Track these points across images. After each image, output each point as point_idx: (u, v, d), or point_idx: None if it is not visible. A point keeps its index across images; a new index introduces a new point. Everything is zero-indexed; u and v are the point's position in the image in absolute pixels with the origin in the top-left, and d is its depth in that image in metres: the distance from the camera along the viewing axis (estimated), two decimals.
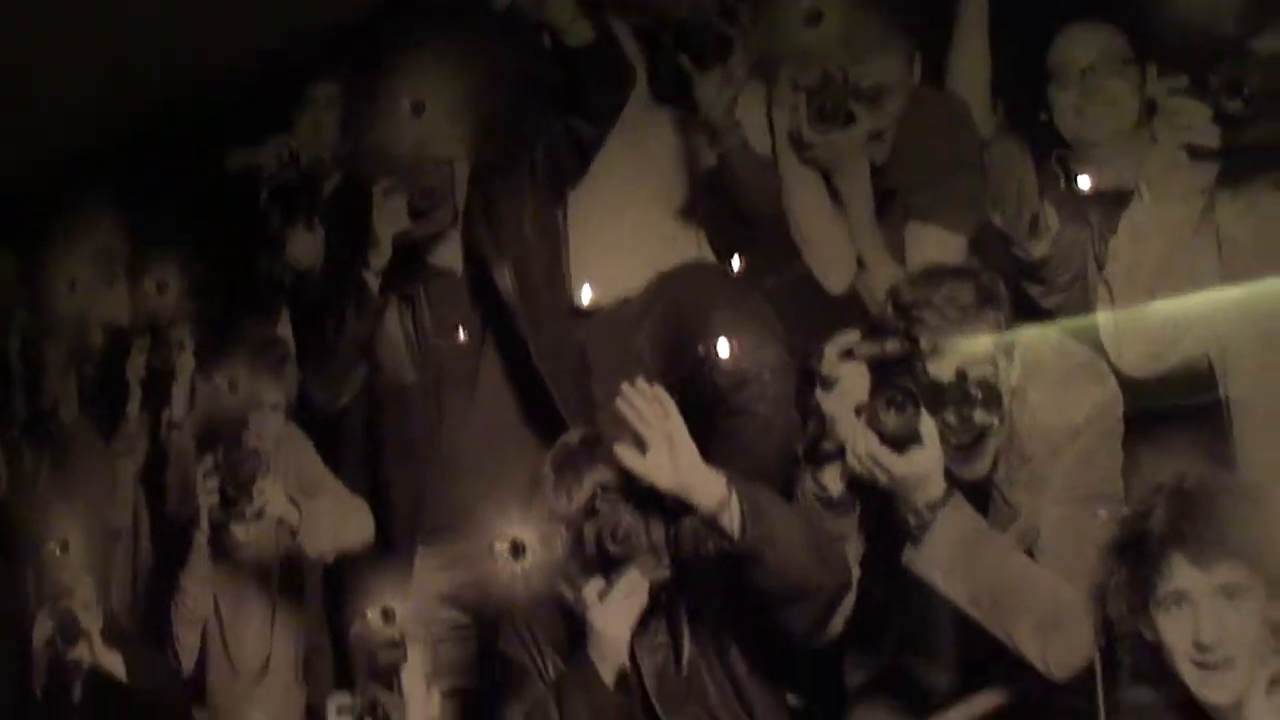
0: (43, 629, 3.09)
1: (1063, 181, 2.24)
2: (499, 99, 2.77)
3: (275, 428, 2.97)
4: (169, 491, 3.17)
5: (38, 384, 3.60)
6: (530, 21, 2.67)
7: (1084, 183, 2.24)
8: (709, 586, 2.21)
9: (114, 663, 3.01)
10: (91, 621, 3.02)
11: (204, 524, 2.97)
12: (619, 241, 2.58)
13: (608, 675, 2.17)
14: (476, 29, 2.80)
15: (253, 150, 3.08)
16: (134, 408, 3.29)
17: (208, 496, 2.92)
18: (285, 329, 3.04)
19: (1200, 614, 1.83)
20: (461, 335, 2.81)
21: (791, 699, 2.28)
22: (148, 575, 3.25)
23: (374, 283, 2.80)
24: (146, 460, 3.24)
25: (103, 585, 3.27)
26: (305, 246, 2.98)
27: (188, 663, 3.05)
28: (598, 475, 2.19)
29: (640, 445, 2.09)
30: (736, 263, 2.53)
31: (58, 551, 3.29)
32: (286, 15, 3.06)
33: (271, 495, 2.86)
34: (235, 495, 2.87)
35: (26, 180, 3.59)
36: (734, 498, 2.03)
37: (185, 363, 3.15)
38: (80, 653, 3.02)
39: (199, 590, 3.03)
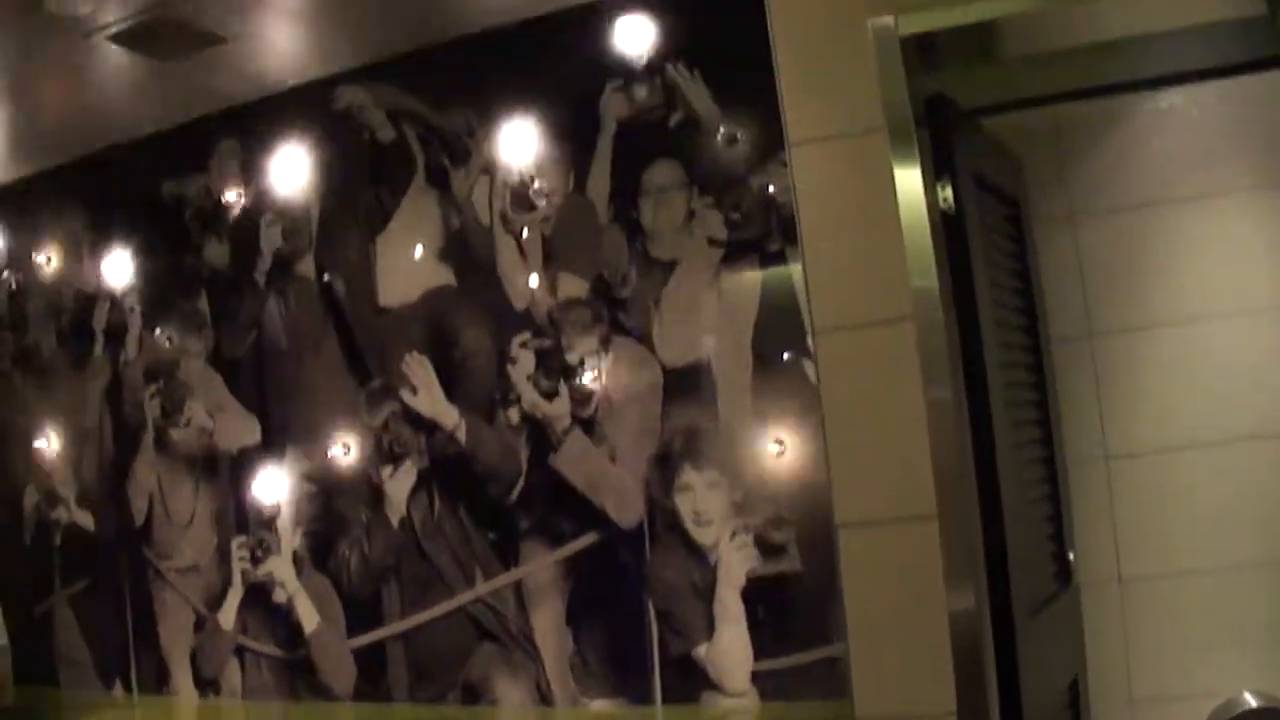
0: (30, 497, 3.61)
1: (641, 253, 2.85)
2: (337, 170, 3.24)
3: (198, 369, 3.40)
4: (125, 406, 3.53)
5: (22, 328, 3.84)
6: (356, 123, 3.22)
7: (653, 254, 2.84)
8: (449, 472, 3.06)
9: (85, 519, 3.57)
10: (68, 492, 3.53)
11: (150, 429, 3.45)
12: (404, 269, 3.08)
13: (394, 520, 3.10)
14: (322, 122, 3.27)
15: (180, 182, 3.47)
16: (99, 349, 3.63)
17: (152, 411, 3.44)
18: (204, 305, 3.41)
19: (697, 496, 2.73)
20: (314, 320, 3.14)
21: (490, 535, 3.01)
22: (110, 462, 3.56)
23: (261, 280, 3.30)
24: (108, 384, 3.55)
25: (75, 469, 3.66)
26: (217, 252, 3.39)
27: (139, 519, 3.48)
28: (390, 406, 3.06)
29: (413, 390, 2.97)
30: (468, 285, 3.00)
31: (43, 445, 3.73)
32: (194, 98, 3.27)
33: (196, 412, 3.39)
34: (171, 411, 3.41)
35: (22, 185, 3.80)
36: (463, 422, 2.91)
37: (134, 321, 3.52)
38: (59, 513, 3.55)
39: (146, 471, 3.47)
